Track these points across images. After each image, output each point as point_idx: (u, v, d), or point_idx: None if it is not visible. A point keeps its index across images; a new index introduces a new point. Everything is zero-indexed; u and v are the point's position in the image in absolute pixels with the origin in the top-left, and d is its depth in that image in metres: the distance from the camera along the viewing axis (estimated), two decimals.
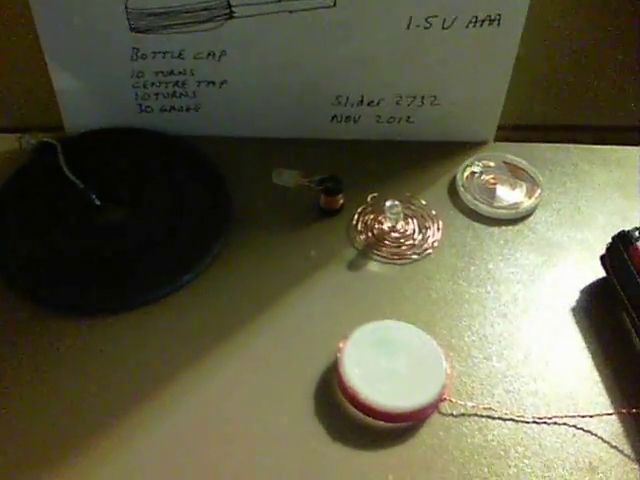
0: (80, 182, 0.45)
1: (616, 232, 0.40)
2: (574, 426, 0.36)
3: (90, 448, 0.34)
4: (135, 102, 0.48)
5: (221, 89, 0.47)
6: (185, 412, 0.36)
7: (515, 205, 0.46)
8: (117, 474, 0.34)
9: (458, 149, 0.49)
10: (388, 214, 0.43)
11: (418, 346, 0.37)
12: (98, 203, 0.45)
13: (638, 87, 0.52)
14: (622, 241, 0.40)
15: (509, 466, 0.34)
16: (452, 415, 0.36)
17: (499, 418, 0.36)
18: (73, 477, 0.33)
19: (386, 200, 0.43)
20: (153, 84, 0.47)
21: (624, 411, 0.36)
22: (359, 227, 0.44)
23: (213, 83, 0.47)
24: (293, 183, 0.44)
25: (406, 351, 0.37)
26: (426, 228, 0.44)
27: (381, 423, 0.35)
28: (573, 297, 0.41)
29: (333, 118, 0.48)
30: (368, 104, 0.47)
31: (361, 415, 0.36)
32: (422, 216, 0.45)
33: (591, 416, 0.36)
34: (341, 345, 0.37)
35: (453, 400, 0.36)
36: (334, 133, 0.49)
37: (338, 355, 0.36)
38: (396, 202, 0.42)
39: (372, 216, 0.45)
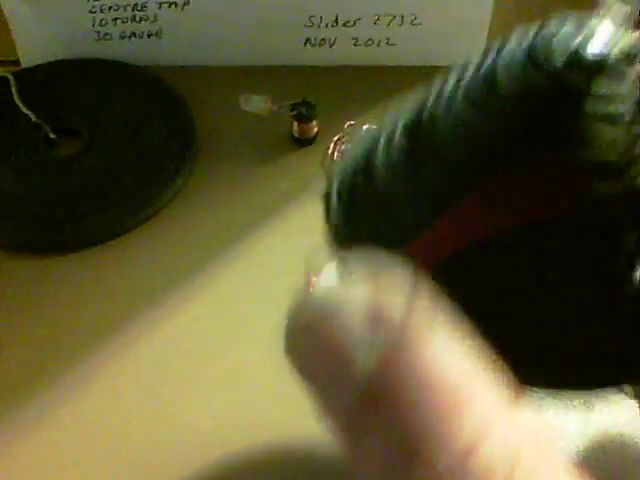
0: (34, 115, 0.42)
1: None
2: None
3: (46, 391, 0.32)
4: (93, 29, 0.45)
5: (184, 11, 0.44)
6: (147, 350, 0.33)
7: None
8: (75, 413, 0.31)
9: (442, 73, 0.46)
10: None
11: None
12: (53, 137, 0.41)
13: None
14: None
15: None
16: None
17: None
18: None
19: (362, 125, 0.40)
20: (111, 8, 0.44)
21: None
22: (335, 157, 0.41)
23: (175, 4, 0.43)
24: (263, 110, 0.41)
25: None
26: None
27: None
28: None
29: (306, 42, 0.45)
30: (344, 24, 0.44)
31: None
32: None
33: None
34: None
35: None
36: (308, 59, 0.45)
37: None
38: (374, 127, 0.39)
39: (349, 145, 0.41)
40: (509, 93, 0.19)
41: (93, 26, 0.45)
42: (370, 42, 0.45)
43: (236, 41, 0.45)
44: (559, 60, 0.18)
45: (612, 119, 0.17)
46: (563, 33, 0.18)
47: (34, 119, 0.41)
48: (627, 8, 0.19)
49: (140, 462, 0.30)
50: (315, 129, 0.41)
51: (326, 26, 0.44)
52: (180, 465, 0.30)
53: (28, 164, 0.40)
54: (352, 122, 0.42)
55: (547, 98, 0.18)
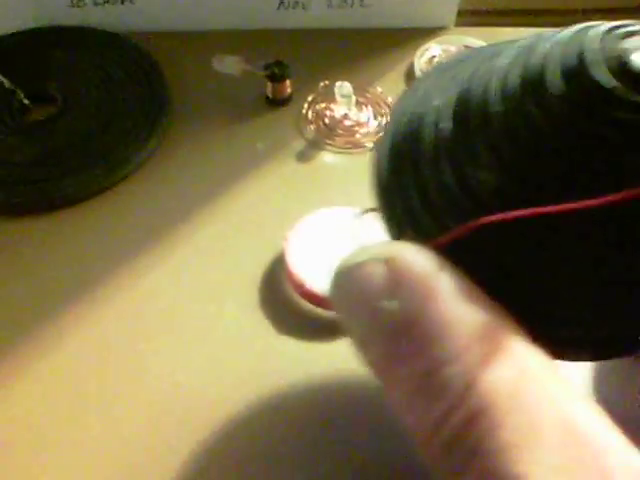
0: (7, 81, 0.41)
1: None
2: None
3: (23, 346, 0.32)
4: None
5: None
6: (124, 306, 0.33)
7: None
8: (52, 367, 0.31)
9: (416, 35, 0.46)
10: (338, 97, 0.39)
11: (366, 231, 0.34)
12: (27, 102, 0.41)
13: None
14: None
15: None
16: None
17: None
18: None
19: (335, 84, 0.40)
20: None
21: None
22: (309, 116, 0.41)
23: None
24: (236, 70, 0.41)
25: (354, 237, 0.34)
26: (381, 115, 0.41)
27: (332, 313, 0.33)
28: None
29: (280, 5, 0.45)
30: None
31: (310, 306, 0.33)
32: (377, 103, 0.42)
33: None
34: (288, 234, 0.34)
35: None
36: (282, 22, 0.45)
37: (285, 245, 0.34)
38: (345, 83, 0.39)
39: (323, 105, 0.41)
40: (558, 94, 0.19)
41: None
42: (344, 4, 0.45)
43: (209, 5, 0.45)
44: (607, 74, 0.18)
45: None
46: (609, 45, 0.19)
47: (8, 85, 0.41)
48: None
49: (118, 415, 0.30)
50: (289, 89, 0.41)
51: None
52: (158, 417, 0.30)
53: (3, 129, 0.40)
54: (326, 82, 0.42)
55: (597, 108, 0.18)
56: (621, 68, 0.18)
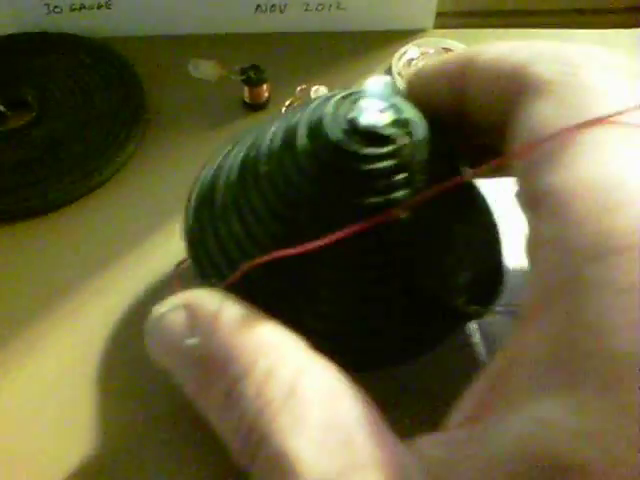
0: None
1: None
2: None
3: None
4: (42, 2, 0.44)
5: None
6: (96, 317, 0.33)
7: None
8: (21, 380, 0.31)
9: (394, 38, 0.46)
10: None
11: None
12: (3, 109, 0.41)
13: None
14: None
15: None
16: None
17: None
18: None
19: (312, 89, 0.40)
20: None
21: None
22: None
23: None
24: (212, 75, 0.40)
25: None
26: None
27: None
28: None
29: (257, 8, 0.45)
30: None
31: None
32: None
33: None
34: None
35: None
36: (259, 26, 0.45)
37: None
38: (322, 87, 0.39)
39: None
40: (303, 150, 0.24)
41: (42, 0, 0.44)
42: (320, 7, 0.45)
43: (186, 9, 0.44)
44: (338, 131, 0.24)
45: (381, 173, 0.23)
46: (341, 109, 0.24)
47: None
48: (387, 79, 0.25)
49: (93, 425, 0.30)
50: (266, 94, 0.41)
51: None
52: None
53: None
54: (303, 86, 0.42)
55: (332, 158, 0.24)
56: (351, 126, 0.23)
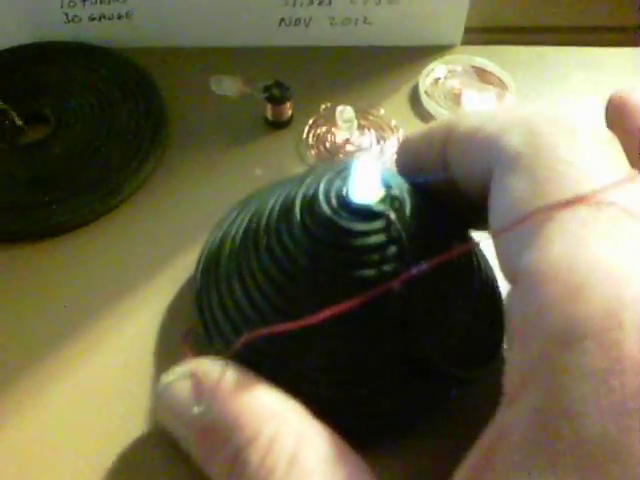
0: (1, 101, 0.40)
1: None
2: None
3: (9, 389, 0.30)
4: (61, 11, 0.43)
5: None
6: (118, 343, 0.32)
7: None
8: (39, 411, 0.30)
9: (421, 54, 0.44)
10: (340, 122, 0.38)
11: None
12: (20, 123, 0.40)
13: None
14: None
15: None
16: None
17: None
18: None
19: (336, 107, 0.38)
20: None
21: None
22: (310, 141, 0.40)
23: None
24: (235, 91, 0.39)
25: None
26: (384, 139, 0.40)
27: None
28: None
29: (281, 21, 0.43)
30: (319, 3, 0.43)
31: None
32: (380, 127, 0.40)
33: None
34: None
35: None
36: (283, 39, 0.44)
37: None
38: (348, 107, 0.38)
39: (325, 128, 0.40)
40: (299, 225, 0.26)
41: (62, 8, 0.43)
42: (347, 21, 0.44)
43: (208, 21, 0.43)
44: (331, 208, 0.25)
45: (373, 247, 0.25)
46: (334, 185, 0.26)
47: (0, 105, 0.40)
48: (375, 160, 0.27)
49: (107, 457, 0.29)
50: (289, 112, 0.40)
51: (301, 5, 0.43)
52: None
53: None
54: (328, 104, 0.41)
55: (326, 233, 0.25)
56: (343, 203, 0.25)
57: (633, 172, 0.21)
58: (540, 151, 0.21)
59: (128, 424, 0.29)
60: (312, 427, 0.23)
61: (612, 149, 0.22)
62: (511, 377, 0.19)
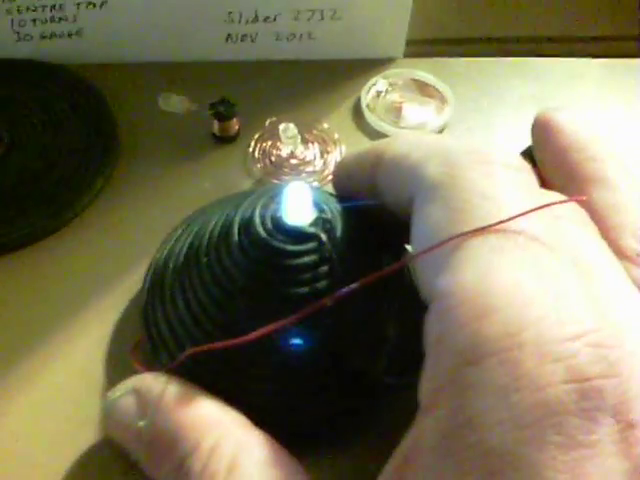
0: None
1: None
2: None
3: None
4: (12, 30, 0.44)
5: (102, 10, 0.43)
6: (69, 359, 0.33)
7: (422, 124, 0.43)
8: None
9: (365, 67, 0.46)
10: (283, 138, 0.40)
11: None
12: None
13: None
14: (529, 157, 0.38)
15: None
16: None
17: None
18: None
19: (280, 123, 0.40)
20: (28, 9, 0.43)
21: None
22: (256, 155, 0.41)
23: (93, 4, 0.43)
24: (182, 109, 0.41)
25: None
26: (328, 153, 0.41)
27: None
28: None
29: (228, 38, 0.45)
30: (264, 20, 0.44)
31: None
32: (324, 140, 0.42)
33: None
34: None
35: None
36: (230, 54, 0.45)
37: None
38: (290, 125, 0.39)
39: (270, 142, 0.42)
40: (237, 245, 0.28)
41: (12, 27, 0.44)
42: (292, 37, 0.45)
43: (157, 38, 0.45)
44: (266, 229, 0.27)
45: (306, 267, 0.27)
46: (269, 208, 0.28)
47: None
48: (306, 186, 0.28)
49: (61, 466, 0.30)
50: (236, 127, 0.42)
51: (246, 22, 0.44)
52: None
53: None
54: (273, 119, 0.42)
55: (261, 254, 0.27)
56: (278, 225, 0.27)
57: (542, 198, 0.23)
58: (456, 182, 0.23)
59: (80, 433, 0.30)
60: (251, 435, 0.24)
61: (524, 178, 0.24)
62: (425, 390, 0.21)
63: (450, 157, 0.24)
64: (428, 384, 0.21)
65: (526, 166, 0.25)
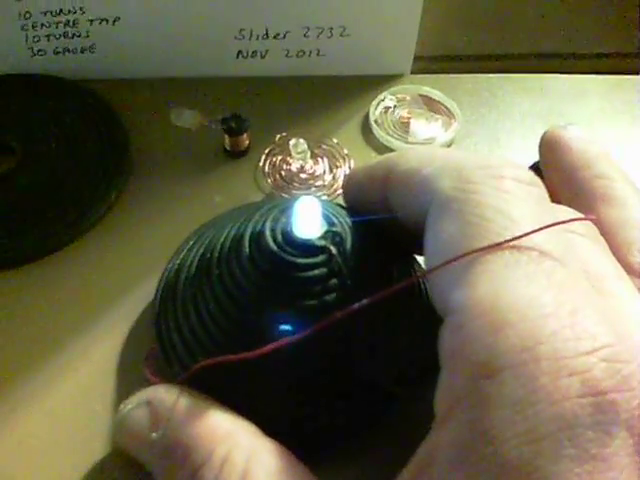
0: None
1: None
2: None
3: None
4: (26, 45, 0.45)
5: (115, 26, 0.44)
6: (83, 370, 0.34)
7: (430, 139, 0.43)
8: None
9: (373, 83, 0.47)
10: (293, 153, 0.40)
11: None
12: None
13: (561, 11, 0.50)
14: (537, 172, 0.38)
15: None
16: None
17: None
18: None
19: (290, 139, 0.41)
20: (43, 25, 0.44)
21: None
22: (266, 169, 0.42)
23: (106, 21, 0.44)
24: (194, 124, 0.41)
25: None
26: (337, 167, 0.42)
27: None
28: None
29: (238, 54, 0.46)
30: (274, 37, 0.45)
31: None
32: (333, 155, 0.43)
33: None
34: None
35: None
36: (240, 70, 0.46)
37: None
38: (300, 140, 0.40)
39: (280, 157, 0.42)
40: (248, 259, 0.28)
41: (26, 42, 0.45)
42: (301, 53, 0.46)
43: (169, 54, 0.45)
44: (276, 243, 0.28)
45: (315, 279, 0.27)
46: (280, 223, 0.28)
47: None
48: (315, 200, 0.28)
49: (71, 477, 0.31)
50: (246, 142, 0.42)
51: (257, 39, 0.45)
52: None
53: None
54: (283, 134, 0.43)
55: (272, 267, 0.28)
56: (288, 239, 0.27)
57: (554, 213, 0.24)
58: (470, 197, 0.23)
59: (94, 443, 0.31)
60: (262, 444, 0.25)
61: (536, 192, 0.24)
62: (440, 402, 0.21)
63: (463, 172, 0.24)
64: (443, 396, 0.21)
65: (537, 181, 0.25)
